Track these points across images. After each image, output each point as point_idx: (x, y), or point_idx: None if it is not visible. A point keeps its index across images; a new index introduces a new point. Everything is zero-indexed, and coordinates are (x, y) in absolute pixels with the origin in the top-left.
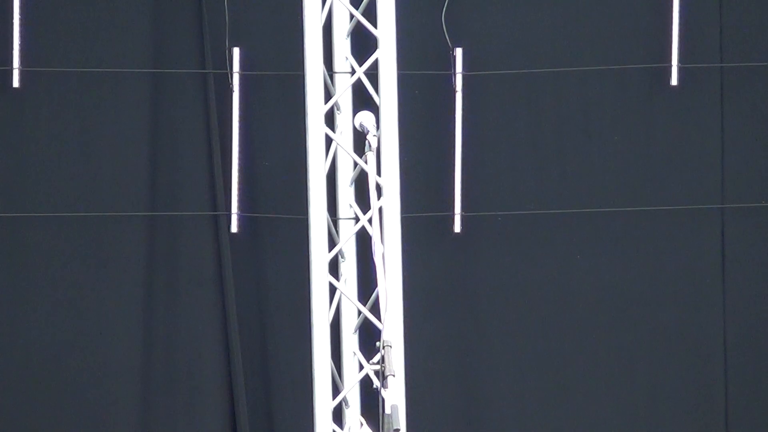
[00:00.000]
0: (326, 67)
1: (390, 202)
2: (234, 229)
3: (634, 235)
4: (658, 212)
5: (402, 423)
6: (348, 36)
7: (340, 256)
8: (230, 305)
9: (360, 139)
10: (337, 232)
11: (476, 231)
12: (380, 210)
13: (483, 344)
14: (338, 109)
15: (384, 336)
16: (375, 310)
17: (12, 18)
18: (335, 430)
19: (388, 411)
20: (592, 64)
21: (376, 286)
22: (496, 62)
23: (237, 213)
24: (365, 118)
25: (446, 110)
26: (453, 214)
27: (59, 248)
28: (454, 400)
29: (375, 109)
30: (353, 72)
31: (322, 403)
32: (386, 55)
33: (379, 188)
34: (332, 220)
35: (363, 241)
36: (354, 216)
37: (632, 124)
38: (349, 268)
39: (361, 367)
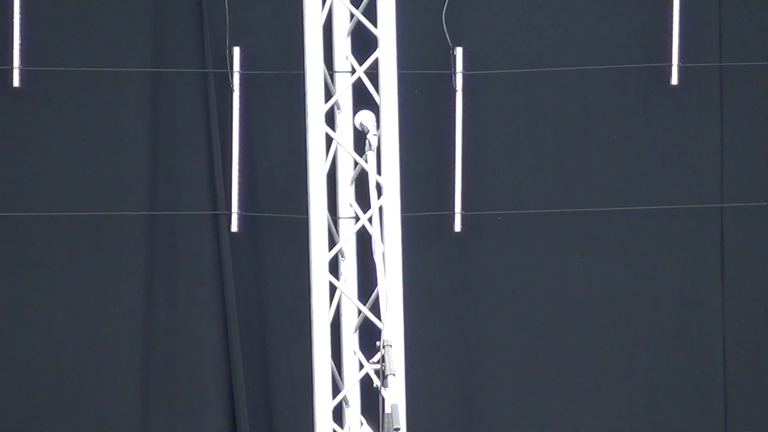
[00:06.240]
0: (326, 67)
1: (390, 201)
2: (234, 228)
3: (633, 234)
4: (657, 211)
5: (402, 422)
6: (348, 35)
7: (340, 256)
8: (230, 305)
9: (360, 139)
10: (337, 231)
11: (476, 230)
12: (380, 209)
13: (483, 344)
14: (338, 109)
15: (384, 335)
16: (375, 309)
17: (12, 18)
18: (335, 429)
19: (388, 410)
20: (592, 64)
21: (376, 285)
22: (497, 61)
23: (237, 212)
24: (365, 117)
25: (446, 110)
26: (453, 214)
27: (59, 248)
28: (454, 399)
29: (375, 108)
30: (353, 71)
31: (322, 403)
32: (386, 54)
33: (379, 187)
34: (332, 219)
35: (363, 240)
36: (354, 215)
37: (632, 123)
38: (349, 267)
39: (362, 367)
